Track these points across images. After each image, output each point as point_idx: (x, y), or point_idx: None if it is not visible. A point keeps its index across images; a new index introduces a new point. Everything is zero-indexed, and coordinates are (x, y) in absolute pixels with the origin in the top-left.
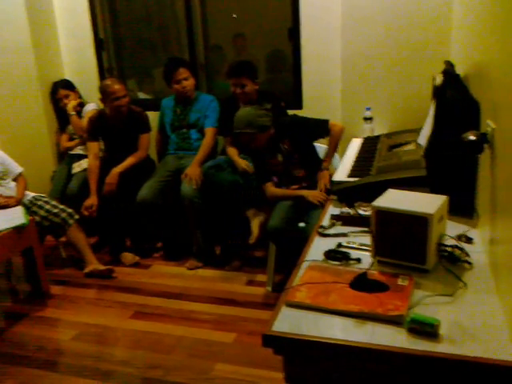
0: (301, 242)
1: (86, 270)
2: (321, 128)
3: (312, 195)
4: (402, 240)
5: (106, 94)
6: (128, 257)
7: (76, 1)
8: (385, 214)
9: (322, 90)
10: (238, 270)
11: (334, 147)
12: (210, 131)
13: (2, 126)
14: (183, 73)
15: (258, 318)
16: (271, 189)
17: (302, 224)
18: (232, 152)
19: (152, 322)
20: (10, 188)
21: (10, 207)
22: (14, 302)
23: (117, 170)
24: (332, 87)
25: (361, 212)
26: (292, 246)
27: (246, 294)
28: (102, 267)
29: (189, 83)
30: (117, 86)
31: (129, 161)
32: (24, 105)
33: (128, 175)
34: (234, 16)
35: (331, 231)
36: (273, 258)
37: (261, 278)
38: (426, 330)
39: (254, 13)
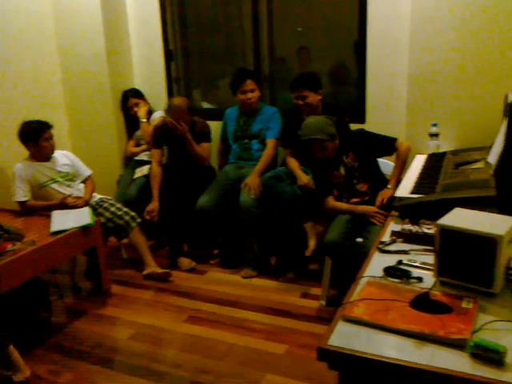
0: (357, 257)
1: (145, 272)
2: (388, 145)
3: (371, 214)
4: (467, 261)
5: (170, 110)
6: (185, 262)
7: (149, 13)
8: (450, 234)
9: (387, 105)
10: (292, 282)
11: (401, 167)
12: (271, 142)
13: (76, 131)
14: (250, 84)
15: (311, 331)
16: (332, 202)
17: (359, 239)
18: (293, 164)
19: (205, 328)
20: (79, 189)
21: (79, 207)
22: (75, 299)
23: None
24: (397, 102)
25: (423, 230)
26: (348, 261)
27: (299, 307)
28: (160, 270)
29: (254, 95)
30: (179, 112)
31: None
32: (96, 111)
33: (189, 182)
34: (299, 29)
35: (391, 248)
36: (328, 272)
37: (315, 291)
38: (490, 356)
39: (320, 26)
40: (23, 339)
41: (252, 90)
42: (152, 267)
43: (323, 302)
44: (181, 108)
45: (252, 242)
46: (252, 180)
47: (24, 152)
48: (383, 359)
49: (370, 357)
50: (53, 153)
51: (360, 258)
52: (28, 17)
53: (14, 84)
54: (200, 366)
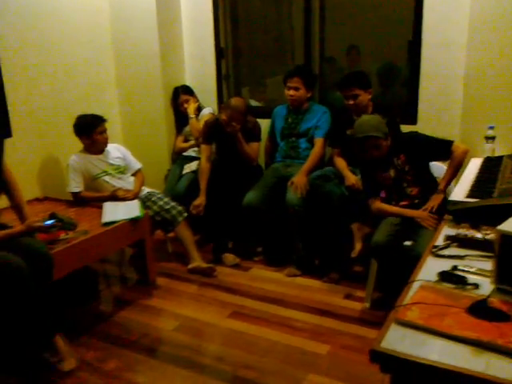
0: (405, 260)
1: (190, 266)
2: (443, 149)
3: (422, 218)
4: None
5: (226, 108)
6: (229, 258)
7: (202, 11)
8: (511, 240)
9: (440, 106)
10: (336, 283)
11: (455, 170)
12: (319, 141)
13: (127, 125)
14: (295, 82)
15: (354, 333)
16: (378, 204)
17: (407, 242)
18: (341, 164)
19: (248, 324)
20: (129, 182)
21: (128, 200)
22: (123, 289)
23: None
24: (451, 103)
25: (480, 235)
26: (395, 264)
27: (343, 308)
28: (204, 265)
29: (296, 93)
30: (235, 113)
31: None
32: (147, 107)
33: (236, 179)
34: (345, 25)
35: (446, 252)
36: (374, 274)
37: (359, 293)
38: None
39: (372, 25)
40: (72, 326)
41: (296, 88)
42: (197, 261)
43: (367, 305)
44: (237, 109)
45: (297, 240)
46: (299, 179)
47: (79, 145)
48: (437, 365)
49: (424, 362)
50: (106, 146)
51: (407, 261)
52: (85, 14)
53: (69, 79)
54: (242, 361)
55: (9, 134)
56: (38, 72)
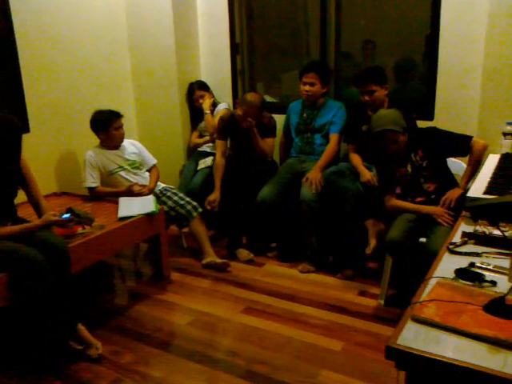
0: (420, 257)
1: (204, 262)
2: (462, 145)
3: (438, 215)
4: None
5: (242, 103)
6: (243, 253)
7: (217, 7)
8: None
9: (458, 101)
10: (350, 279)
11: (475, 166)
12: (335, 137)
13: (143, 121)
14: (311, 77)
15: (368, 330)
16: (394, 201)
17: (422, 239)
18: (356, 160)
19: (262, 319)
20: (145, 178)
21: (144, 195)
22: (137, 284)
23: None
24: (469, 98)
25: (498, 232)
26: (410, 261)
27: (357, 304)
28: (218, 260)
29: (311, 89)
30: (251, 108)
31: None
32: (163, 102)
33: (251, 175)
34: (362, 22)
35: (463, 249)
36: (388, 271)
37: (373, 290)
38: None
39: (388, 19)
40: (88, 320)
41: (312, 84)
42: (211, 257)
43: (382, 302)
44: (253, 104)
45: (311, 236)
46: (314, 174)
47: (95, 140)
48: (454, 362)
49: (441, 359)
50: (122, 141)
51: (422, 258)
52: (101, 10)
53: (86, 75)
54: (256, 356)
55: (26, 130)
56: (55, 68)
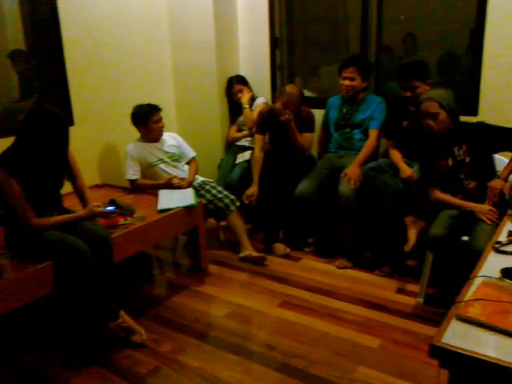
0: (461, 256)
1: (241, 255)
2: (511, 137)
3: (483, 212)
4: None
5: (281, 95)
6: (280, 248)
7: (257, 1)
8: None
9: (502, 96)
10: (388, 276)
11: None
12: (374, 133)
13: (183, 114)
14: (351, 72)
15: (406, 328)
16: (438, 194)
17: (465, 237)
18: (396, 156)
19: (298, 314)
20: (184, 171)
21: (183, 188)
22: (176, 275)
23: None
24: None
25: None
26: (451, 259)
27: (394, 302)
28: (255, 254)
29: (352, 83)
30: (290, 99)
31: None
32: (202, 96)
33: (289, 170)
34: (402, 18)
35: (509, 248)
36: (428, 268)
37: (411, 287)
38: None
39: (430, 13)
40: (128, 309)
41: (351, 78)
42: (248, 250)
43: (420, 300)
44: (292, 96)
45: (348, 232)
46: (352, 170)
47: (136, 133)
48: (499, 362)
49: (485, 358)
50: (162, 134)
51: (465, 256)
52: (143, 7)
53: (128, 70)
54: (292, 350)
55: (71, 123)
56: (98, 64)
